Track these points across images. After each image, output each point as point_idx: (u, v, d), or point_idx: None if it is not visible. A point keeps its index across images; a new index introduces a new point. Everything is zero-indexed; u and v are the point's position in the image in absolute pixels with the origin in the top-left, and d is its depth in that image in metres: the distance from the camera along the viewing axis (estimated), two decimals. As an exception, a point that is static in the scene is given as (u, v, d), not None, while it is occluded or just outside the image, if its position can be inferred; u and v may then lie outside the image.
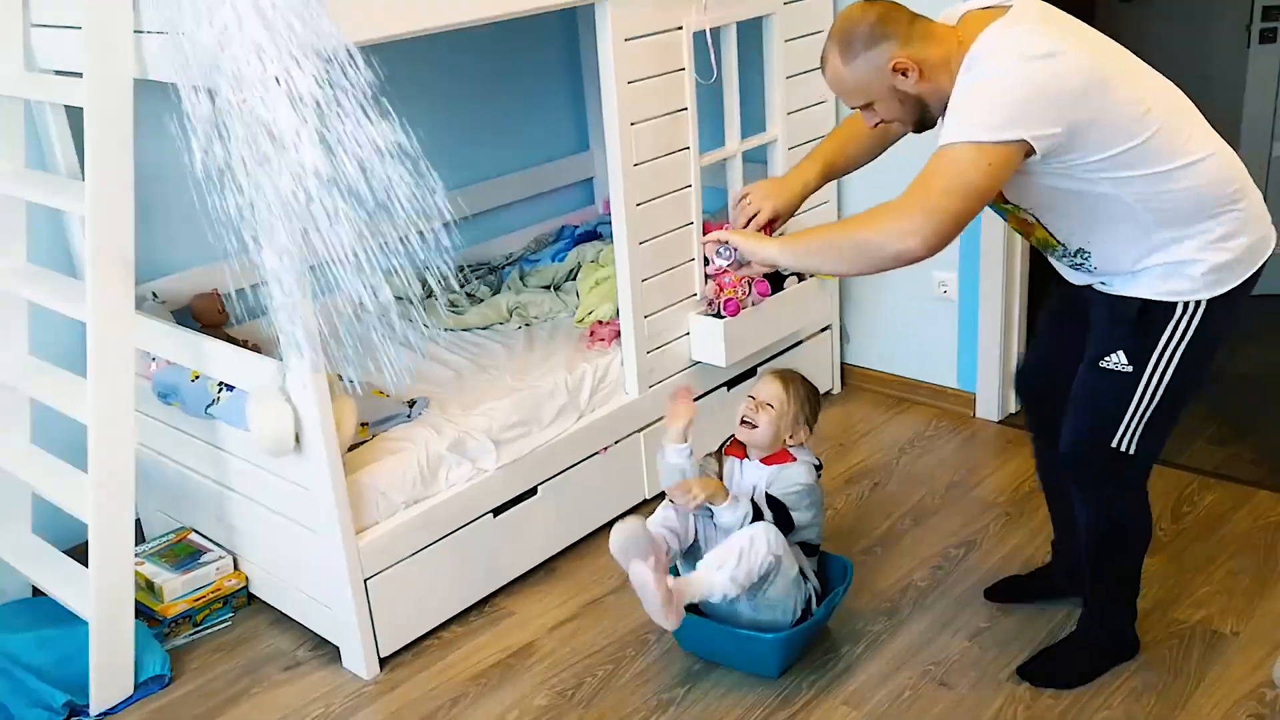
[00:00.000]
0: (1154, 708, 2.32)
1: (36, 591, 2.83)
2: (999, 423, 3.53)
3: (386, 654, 2.62)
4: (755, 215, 2.35)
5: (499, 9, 2.58)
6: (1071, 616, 2.60)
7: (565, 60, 3.99)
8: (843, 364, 3.82)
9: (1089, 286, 2.18)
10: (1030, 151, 1.89)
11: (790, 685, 2.46)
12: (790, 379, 2.54)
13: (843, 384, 3.83)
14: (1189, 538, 2.86)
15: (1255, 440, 3.32)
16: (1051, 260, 2.25)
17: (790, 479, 2.46)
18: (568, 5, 2.74)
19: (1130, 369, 2.11)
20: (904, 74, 1.97)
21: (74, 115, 2.62)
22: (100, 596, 2.45)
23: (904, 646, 2.56)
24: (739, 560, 2.31)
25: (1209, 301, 2.04)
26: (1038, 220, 2.13)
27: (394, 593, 2.59)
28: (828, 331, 3.69)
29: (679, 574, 2.42)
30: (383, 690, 2.55)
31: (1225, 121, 4.58)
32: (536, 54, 3.89)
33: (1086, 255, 2.11)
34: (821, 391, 3.70)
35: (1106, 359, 2.13)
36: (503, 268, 3.72)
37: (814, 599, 2.49)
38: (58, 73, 2.59)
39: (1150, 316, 2.07)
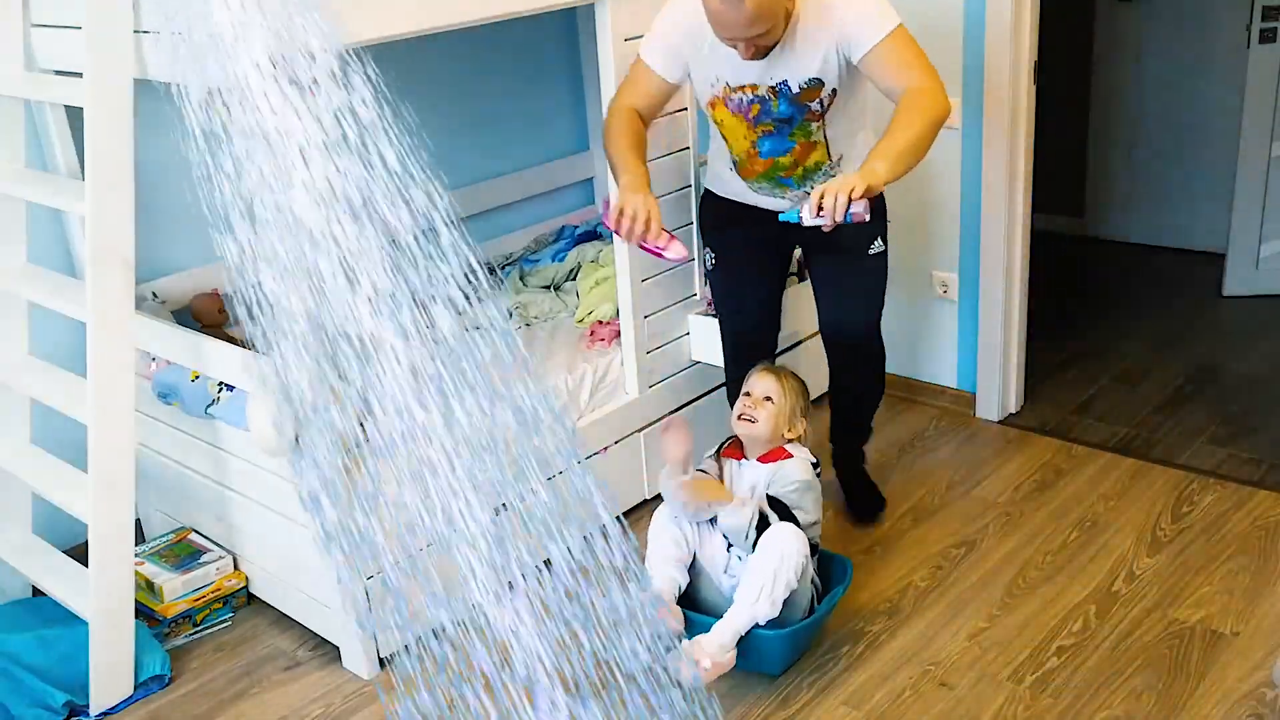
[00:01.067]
0: (1154, 708, 2.32)
1: (36, 591, 2.83)
2: (999, 423, 3.53)
3: (386, 654, 2.62)
4: (647, 219, 2.50)
5: (499, 9, 2.58)
6: (1071, 616, 2.60)
7: (565, 60, 3.99)
8: (843, 364, 3.81)
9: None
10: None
11: (790, 685, 2.46)
12: (782, 372, 2.56)
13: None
14: (1189, 538, 2.86)
15: (1255, 440, 3.32)
16: (765, 196, 2.69)
17: (788, 477, 2.46)
18: (568, 5, 2.74)
19: (883, 249, 2.72)
20: (789, 11, 2.37)
21: (74, 115, 2.62)
22: (100, 596, 2.45)
23: (904, 646, 2.56)
24: (774, 580, 2.33)
25: None
26: (825, 140, 2.57)
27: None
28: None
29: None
30: (383, 690, 2.55)
31: (1225, 121, 4.62)
32: (536, 54, 3.89)
33: (838, 165, 2.60)
34: (821, 392, 3.73)
35: (872, 246, 2.69)
36: (503, 268, 3.72)
37: (816, 597, 2.49)
38: (58, 73, 2.59)
39: (881, 203, 2.66)
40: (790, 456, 2.51)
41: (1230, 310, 4.25)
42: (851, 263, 2.71)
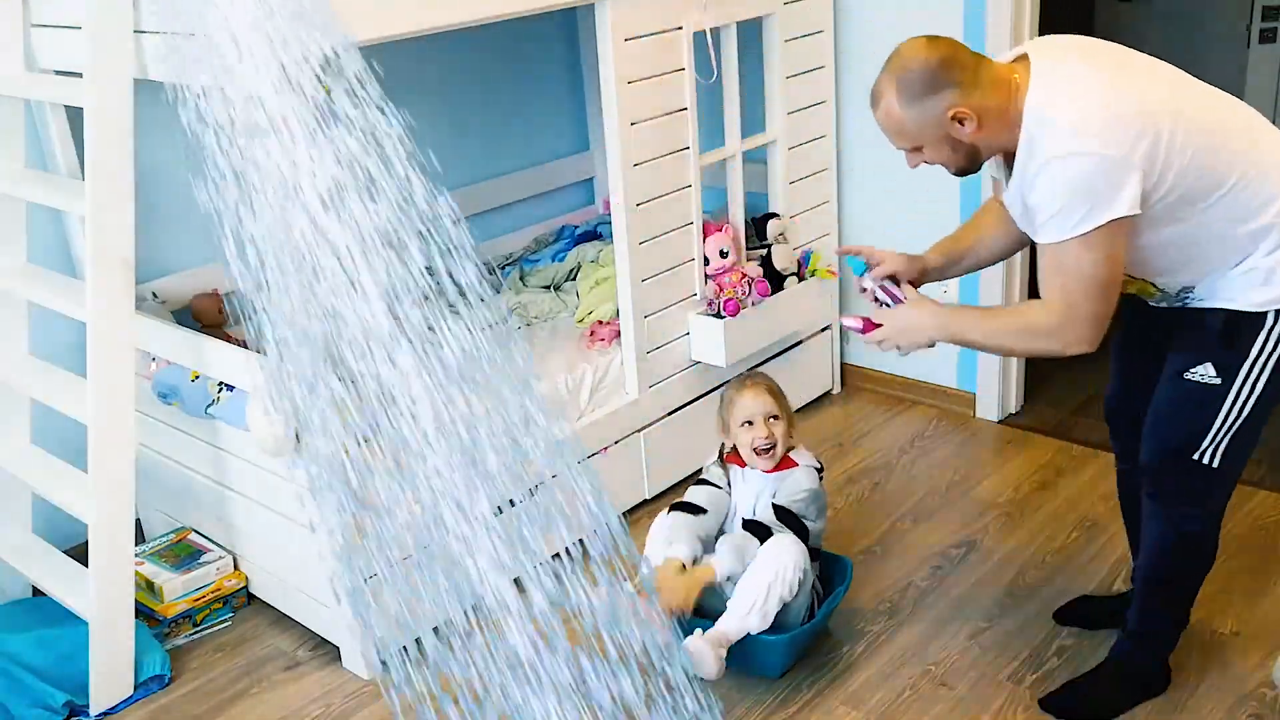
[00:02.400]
0: (1154, 708, 2.32)
1: (36, 591, 2.83)
2: (999, 423, 3.53)
3: (386, 654, 2.61)
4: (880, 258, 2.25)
5: (499, 9, 2.58)
6: (1073, 632, 2.60)
7: (565, 60, 3.99)
8: (843, 364, 3.82)
9: (1168, 306, 2.11)
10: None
11: (790, 685, 2.46)
12: (768, 385, 2.53)
13: (843, 384, 3.82)
14: (1189, 538, 2.86)
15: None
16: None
17: (796, 486, 2.47)
18: (568, 5, 2.74)
19: (1219, 381, 2.02)
20: (962, 123, 1.90)
21: (74, 115, 2.62)
22: (100, 596, 2.45)
23: (904, 646, 2.56)
24: (767, 595, 2.33)
25: None
26: (1134, 276, 2.06)
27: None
28: (828, 331, 3.69)
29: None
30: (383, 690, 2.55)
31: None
32: (536, 54, 3.89)
33: (1190, 291, 2.03)
34: (821, 391, 3.73)
35: (1192, 371, 2.04)
36: (503, 268, 3.72)
37: (816, 601, 2.49)
38: (58, 73, 2.59)
39: (1239, 327, 1.99)
40: (796, 465, 2.50)
41: (1230, 310, 4.24)
42: (1170, 375, 2.10)
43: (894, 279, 2.23)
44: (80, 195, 2.37)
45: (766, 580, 2.33)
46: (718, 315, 3.16)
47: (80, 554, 2.54)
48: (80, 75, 2.33)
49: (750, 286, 3.21)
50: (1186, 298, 2.05)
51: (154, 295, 2.97)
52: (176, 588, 2.75)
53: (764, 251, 3.34)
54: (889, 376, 3.75)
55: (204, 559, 2.83)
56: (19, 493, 2.79)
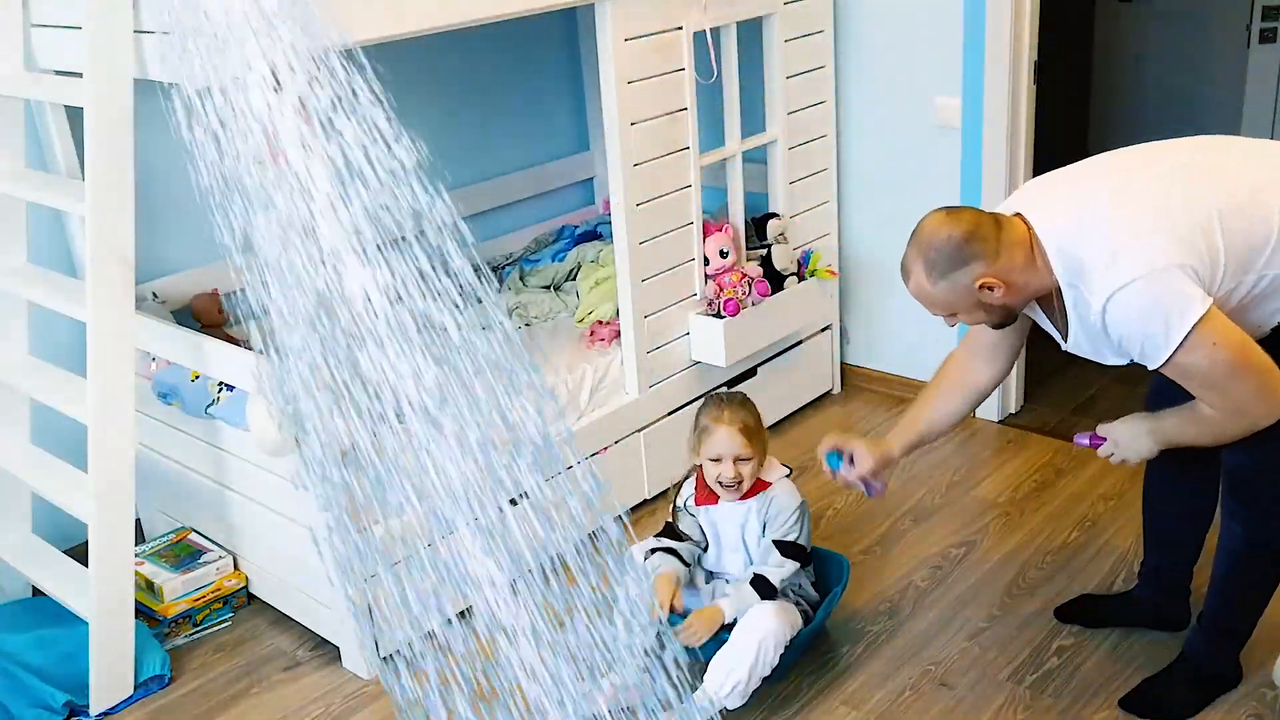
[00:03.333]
0: (1154, 708, 2.32)
1: (36, 591, 2.83)
2: (999, 423, 3.53)
3: (386, 654, 2.62)
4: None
5: (499, 9, 2.58)
6: (1074, 631, 2.60)
7: (565, 60, 3.99)
8: (843, 364, 3.82)
9: None
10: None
11: (790, 685, 2.46)
12: (744, 421, 2.41)
13: (843, 384, 3.82)
14: (1189, 538, 2.86)
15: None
16: None
17: (782, 508, 2.43)
18: (568, 5, 2.74)
19: None
20: (991, 289, 1.94)
21: (74, 115, 2.62)
22: (100, 596, 2.45)
23: (904, 646, 2.56)
24: (749, 677, 2.30)
25: None
26: None
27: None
28: (828, 331, 3.69)
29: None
30: (383, 690, 2.55)
31: (1225, 121, 4.61)
32: (536, 54, 3.89)
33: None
34: (821, 391, 3.73)
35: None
36: (503, 268, 3.72)
37: (811, 609, 2.48)
38: (58, 73, 2.59)
39: None
40: (770, 484, 2.45)
41: (1230, 310, 4.24)
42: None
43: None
44: (80, 195, 2.37)
45: (748, 663, 2.29)
46: (718, 315, 3.16)
47: (80, 554, 2.54)
48: (80, 75, 2.33)
49: (750, 286, 3.21)
50: None
51: (154, 295, 2.97)
52: (176, 588, 2.75)
53: (764, 251, 3.34)
54: (889, 376, 3.75)
55: (204, 559, 2.83)
56: (19, 493, 2.79)
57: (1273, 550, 2.18)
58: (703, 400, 2.53)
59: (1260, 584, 2.23)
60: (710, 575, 2.55)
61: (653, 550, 2.48)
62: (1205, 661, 2.33)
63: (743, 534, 2.46)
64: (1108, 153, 2.08)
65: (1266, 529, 2.15)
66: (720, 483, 2.43)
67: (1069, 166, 2.09)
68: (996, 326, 2.09)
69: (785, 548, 2.41)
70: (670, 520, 2.55)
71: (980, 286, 1.94)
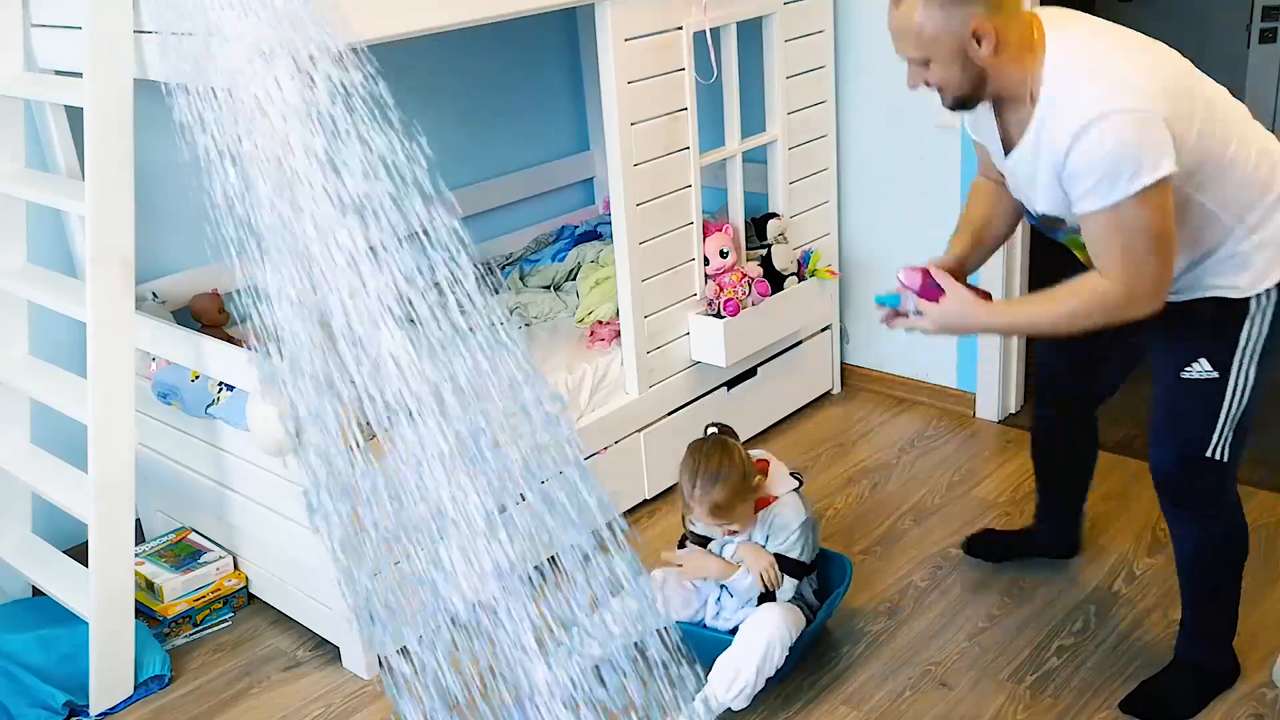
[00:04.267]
0: (1154, 708, 2.32)
1: (36, 591, 2.83)
2: (999, 423, 3.53)
3: (386, 654, 2.61)
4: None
5: (499, 9, 2.58)
6: (1071, 616, 2.60)
7: (565, 60, 3.99)
8: (843, 364, 3.82)
9: None
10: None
11: (790, 685, 2.46)
12: (714, 500, 2.32)
13: (843, 384, 3.82)
14: (1189, 538, 2.86)
15: (1255, 440, 3.30)
16: None
17: (785, 526, 2.41)
18: (568, 5, 2.74)
19: (1215, 374, 2.03)
20: (979, 41, 1.83)
21: (74, 115, 2.62)
22: (100, 596, 2.45)
23: (904, 646, 2.56)
24: (756, 676, 2.30)
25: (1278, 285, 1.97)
26: None
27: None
28: (828, 331, 3.69)
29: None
30: (383, 690, 2.55)
31: (1225, 121, 4.57)
32: (536, 54, 3.89)
33: (1176, 279, 1.97)
34: (821, 391, 3.73)
35: (1188, 370, 2.04)
36: (503, 268, 3.72)
37: (812, 613, 2.47)
38: (58, 73, 2.59)
39: (1225, 317, 1.99)
40: (775, 499, 2.43)
41: (1230, 310, 4.24)
42: (1166, 379, 2.10)
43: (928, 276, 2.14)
44: (80, 195, 2.37)
45: (755, 664, 2.29)
46: (718, 315, 3.16)
47: (80, 554, 2.54)
48: (80, 75, 2.33)
49: (750, 286, 3.20)
50: (1174, 287, 2.00)
51: (154, 295, 2.97)
52: (176, 588, 2.75)
53: (764, 251, 3.34)
54: (889, 376, 3.75)
55: (204, 559, 2.83)
56: (19, 493, 2.79)
57: (1223, 542, 2.21)
58: (686, 450, 2.42)
59: (1224, 577, 2.26)
60: (720, 585, 2.53)
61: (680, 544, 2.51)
62: (1200, 661, 2.34)
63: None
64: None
65: (1211, 526, 2.20)
66: (724, 533, 2.44)
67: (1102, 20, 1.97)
68: (954, 105, 1.94)
69: (784, 563, 2.40)
70: (686, 529, 2.55)
71: (973, 32, 1.82)
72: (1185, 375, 2.05)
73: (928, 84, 1.94)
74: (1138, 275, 1.88)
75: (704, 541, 2.51)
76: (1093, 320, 1.96)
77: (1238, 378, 2.02)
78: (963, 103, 1.95)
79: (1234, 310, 1.99)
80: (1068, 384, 2.49)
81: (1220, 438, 2.08)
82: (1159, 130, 1.79)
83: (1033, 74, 1.86)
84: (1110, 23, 1.96)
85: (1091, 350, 2.30)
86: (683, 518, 2.55)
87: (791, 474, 2.50)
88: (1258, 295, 1.97)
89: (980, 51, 1.84)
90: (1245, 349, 2.01)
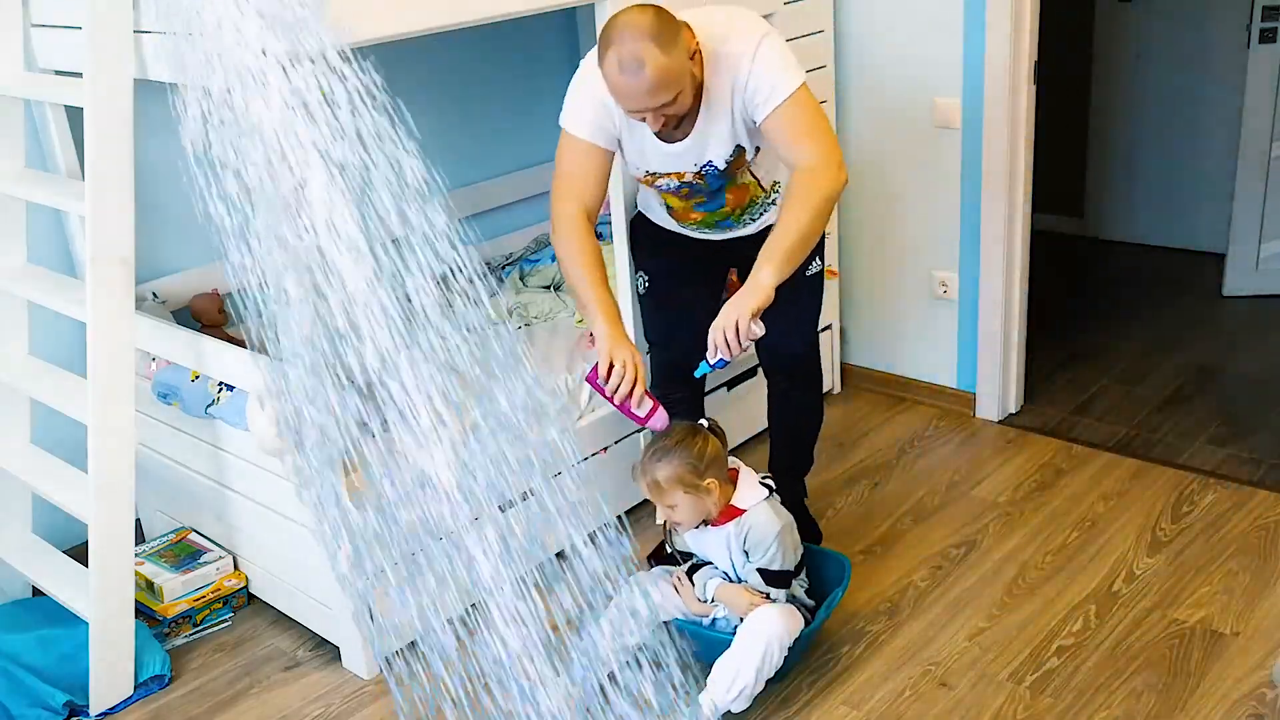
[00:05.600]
0: (1154, 708, 2.32)
1: (36, 591, 2.83)
2: (999, 423, 3.53)
3: (387, 654, 2.61)
4: (633, 373, 2.31)
5: (499, 9, 2.58)
6: (1071, 616, 2.60)
7: (565, 60, 3.99)
8: (843, 364, 3.82)
9: (737, 238, 2.59)
10: None
11: (790, 685, 2.46)
12: (651, 479, 2.33)
13: (843, 384, 3.82)
14: (1189, 538, 2.86)
15: (1255, 440, 3.31)
16: (706, 233, 2.60)
17: (759, 537, 2.36)
18: (568, 5, 2.74)
19: (820, 268, 2.63)
20: (692, 57, 2.19)
21: (74, 115, 2.62)
22: (100, 596, 2.45)
23: (904, 646, 2.56)
24: (756, 679, 2.30)
25: None
26: (756, 179, 2.47)
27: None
28: (828, 331, 3.69)
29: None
30: (383, 690, 2.55)
31: (1225, 121, 4.61)
32: (536, 54, 3.89)
33: (778, 188, 2.50)
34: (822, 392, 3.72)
35: (810, 266, 2.56)
36: (503, 268, 3.72)
37: (809, 614, 2.46)
38: (58, 73, 2.59)
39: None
40: (743, 511, 2.37)
41: (1230, 310, 4.25)
42: (788, 281, 2.31)
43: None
44: (80, 195, 2.37)
45: (754, 666, 2.28)
46: (717, 315, 3.16)
47: (80, 554, 2.54)
48: (80, 75, 2.33)
49: (750, 286, 3.20)
50: (771, 201, 2.53)
51: (154, 295, 2.97)
52: (176, 588, 2.75)
53: (764, 251, 3.34)
54: (889, 376, 3.75)
55: (204, 559, 2.83)
56: (19, 493, 2.79)
57: (821, 406, 2.88)
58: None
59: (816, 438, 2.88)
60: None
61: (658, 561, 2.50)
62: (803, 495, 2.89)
63: (730, 557, 2.41)
64: None
65: (817, 390, 2.84)
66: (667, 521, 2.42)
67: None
68: (668, 125, 2.24)
69: (769, 576, 2.38)
70: (664, 540, 2.54)
71: (693, 53, 2.19)
72: (810, 272, 2.58)
73: (667, 118, 2.21)
74: (832, 144, 2.30)
75: (685, 557, 2.51)
76: (830, 204, 2.29)
77: (824, 269, 2.66)
78: (680, 123, 2.29)
79: None
80: (691, 362, 2.48)
81: (819, 323, 2.71)
82: (783, 41, 2.31)
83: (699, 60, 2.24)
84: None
85: (697, 313, 2.48)
86: (664, 528, 2.52)
87: (762, 482, 2.44)
88: None
89: (694, 66, 2.22)
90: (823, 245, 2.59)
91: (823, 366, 2.82)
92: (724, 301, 2.31)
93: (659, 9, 2.15)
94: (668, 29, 2.12)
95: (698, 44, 2.22)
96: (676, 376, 2.69)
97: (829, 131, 2.32)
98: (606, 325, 2.32)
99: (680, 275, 2.68)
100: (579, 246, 2.35)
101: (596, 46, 2.19)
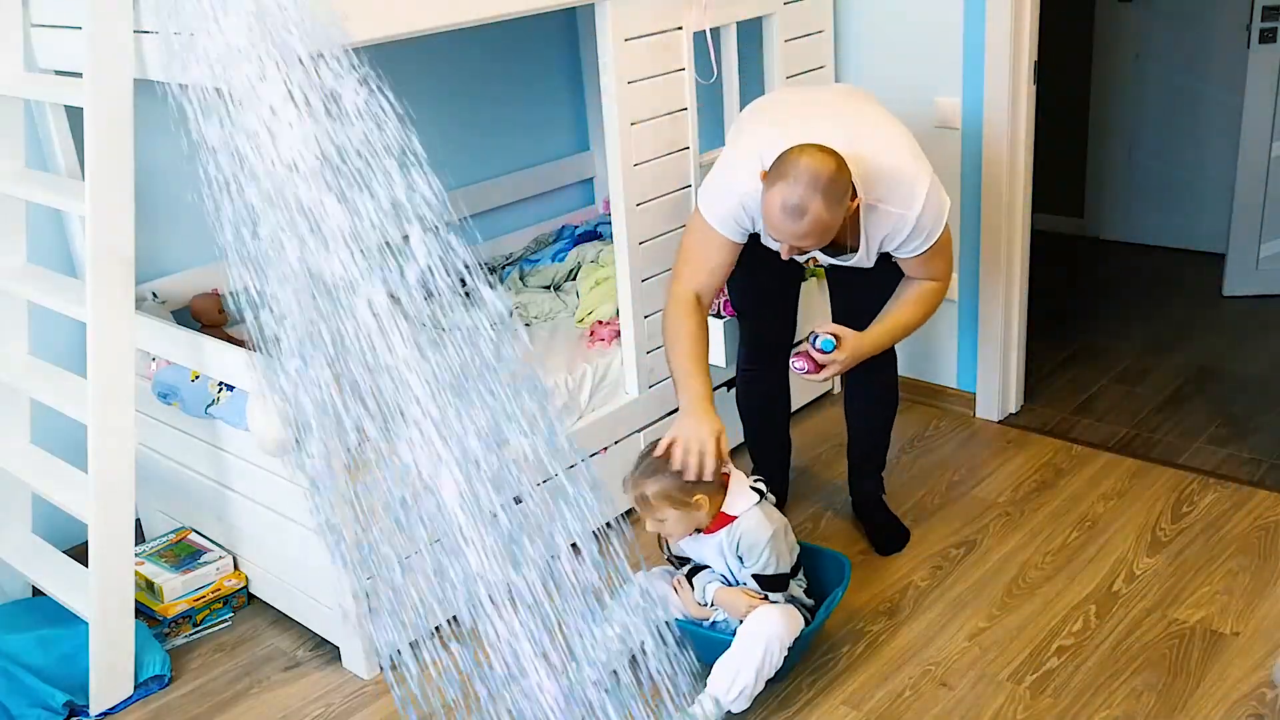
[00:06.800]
0: (1154, 708, 2.32)
1: (36, 591, 2.83)
2: (999, 423, 3.53)
3: (387, 654, 2.61)
4: (708, 454, 2.33)
5: (499, 9, 2.58)
6: (1071, 616, 2.60)
7: (565, 60, 3.99)
8: (843, 364, 3.81)
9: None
10: None
11: (790, 685, 2.46)
12: (639, 493, 2.35)
13: (843, 384, 3.81)
14: (1189, 538, 2.86)
15: (1255, 440, 3.31)
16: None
17: (751, 543, 2.35)
18: (568, 5, 2.74)
19: None
20: (852, 208, 2.30)
21: (74, 115, 2.62)
22: (100, 596, 2.45)
23: (904, 646, 2.56)
24: (756, 679, 2.30)
25: None
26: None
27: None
28: (828, 331, 3.68)
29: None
30: (383, 690, 2.55)
31: (1225, 121, 4.61)
32: (536, 54, 3.89)
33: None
34: (822, 392, 3.73)
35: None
36: (503, 268, 3.72)
37: (809, 613, 2.46)
38: (58, 73, 2.59)
39: None
40: (734, 518, 2.37)
41: (1230, 310, 4.25)
42: (876, 266, 2.52)
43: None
44: (80, 195, 2.37)
45: (754, 666, 2.28)
46: (717, 315, 3.16)
47: (80, 554, 2.54)
48: (80, 75, 2.33)
49: (750, 287, 3.21)
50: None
51: (154, 295, 2.97)
52: (176, 588, 2.75)
53: (764, 251, 3.34)
54: (889, 376, 3.75)
55: (204, 559, 2.83)
56: (19, 493, 2.79)
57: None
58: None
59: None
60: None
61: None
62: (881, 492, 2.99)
63: (725, 563, 2.41)
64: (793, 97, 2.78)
65: (896, 373, 2.93)
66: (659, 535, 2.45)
67: (785, 101, 2.74)
68: (794, 253, 2.38)
69: (765, 581, 2.38)
70: (663, 549, 2.55)
71: (852, 209, 2.30)
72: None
73: (799, 251, 2.36)
74: (950, 272, 2.57)
75: (682, 561, 2.51)
76: (932, 313, 2.58)
77: None
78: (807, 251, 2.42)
79: None
80: (773, 331, 2.88)
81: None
82: (938, 183, 2.43)
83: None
84: (810, 102, 2.68)
85: (786, 298, 2.85)
86: (657, 536, 2.52)
87: (753, 486, 2.42)
88: None
89: (849, 214, 2.33)
90: None
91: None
92: (794, 297, 2.80)
93: (841, 162, 2.24)
94: (839, 185, 2.23)
95: (858, 202, 2.31)
96: (760, 346, 2.90)
97: (951, 247, 2.56)
98: (691, 401, 2.41)
99: (765, 251, 2.56)
100: (687, 330, 2.48)
101: (771, 164, 2.28)
